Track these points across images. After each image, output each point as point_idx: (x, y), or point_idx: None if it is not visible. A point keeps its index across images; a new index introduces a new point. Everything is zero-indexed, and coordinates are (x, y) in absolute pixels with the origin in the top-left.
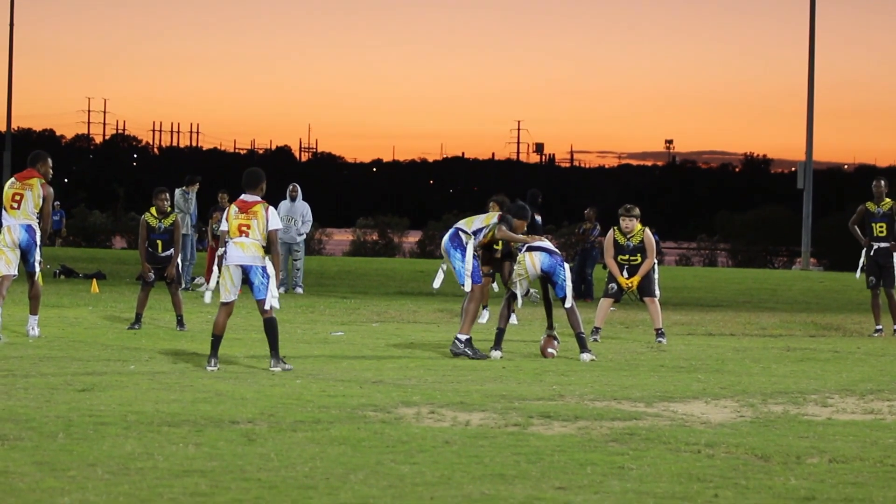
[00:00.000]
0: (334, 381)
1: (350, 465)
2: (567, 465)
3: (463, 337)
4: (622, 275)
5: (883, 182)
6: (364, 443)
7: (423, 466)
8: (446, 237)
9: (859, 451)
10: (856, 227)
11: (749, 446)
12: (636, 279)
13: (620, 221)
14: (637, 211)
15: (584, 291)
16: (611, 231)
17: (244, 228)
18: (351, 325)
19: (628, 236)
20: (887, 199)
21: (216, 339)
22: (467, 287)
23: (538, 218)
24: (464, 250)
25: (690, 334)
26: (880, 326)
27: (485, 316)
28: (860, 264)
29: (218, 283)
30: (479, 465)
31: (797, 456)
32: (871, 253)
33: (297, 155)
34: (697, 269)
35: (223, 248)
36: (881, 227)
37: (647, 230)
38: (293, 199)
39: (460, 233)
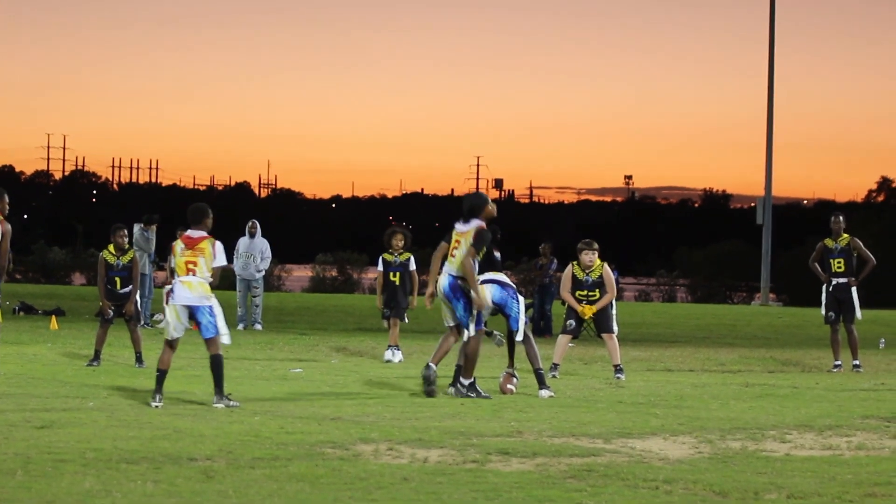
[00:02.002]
0: (293, 417)
1: (308, 502)
2: (525, 501)
3: (466, 382)
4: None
5: (841, 218)
6: (322, 480)
7: (382, 503)
8: (446, 285)
9: (817, 486)
10: (815, 264)
11: (707, 482)
12: (593, 308)
13: (583, 256)
14: (596, 245)
15: (543, 327)
16: (570, 266)
17: (191, 266)
18: (310, 362)
19: (587, 271)
20: (845, 235)
21: (161, 375)
22: (471, 332)
23: (497, 254)
24: (466, 299)
25: (649, 370)
26: (839, 362)
27: (397, 356)
28: (823, 301)
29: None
30: (437, 502)
31: (755, 492)
32: (831, 289)
33: (256, 191)
34: (656, 305)
35: (170, 286)
36: (839, 262)
37: (606, 265)
38: (252, 235)
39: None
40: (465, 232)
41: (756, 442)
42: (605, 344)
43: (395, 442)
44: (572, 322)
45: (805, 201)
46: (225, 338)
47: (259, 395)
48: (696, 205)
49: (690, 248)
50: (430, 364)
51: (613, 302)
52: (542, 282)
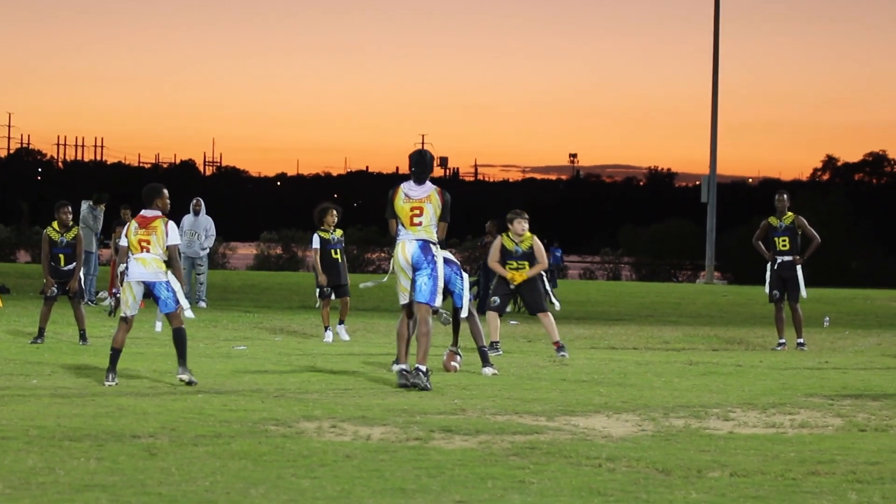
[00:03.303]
0: (236, 395)
1: (251, 479)
2: (467, 479)
3: (424, 367)
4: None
5: (785, 196)
6: (265, 457)
7: (324, 481)
8: (416, 251)
9: (760, 464)
10: (759, 242)
11: (650, 460)
12: (523, 274)
13: (514, 224)
14: (527, 215)
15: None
16: (499, 237)
17: (144, 244)
18: (254, 340)
19: (518, 241)
20: (789, 213)
21: (115, 353)
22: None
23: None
24: (436, 265)
25: (593, 348)
26: (783, 340)
27: (343, 334)
28: (767, 279)
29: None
30: (379, 480)
31: (698, 470)
32: (775, 267)
33: (201, 169)
34: (601, 283)
35: (124, 264)
36: (784, 240)
37: (536, 237)
38: (196, 213)
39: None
40: (422, 198)
41: (699, 420)
42: (541, 324)
43: (338, 419)
44: (496, 299)
45: (750, 180)
46: (187, 311)
47: (202, 372)
48: (641, 183)
49: (635, 227)
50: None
51: (545, 280)
52: (486, 260)
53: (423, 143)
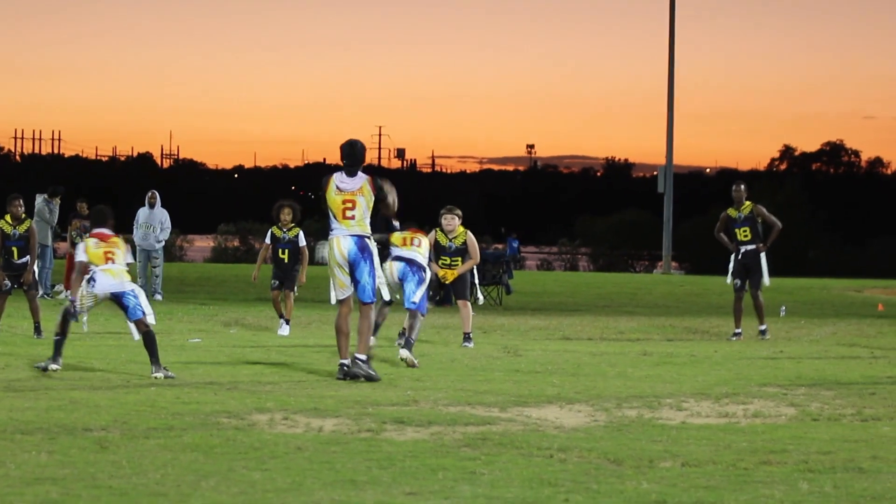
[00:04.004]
0: (189, 387)
1: (201, 471)
2: (418, 470)
3: (364, 356)
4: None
5: (742, 186)
6: (216, 449)
7: (275, 473)
8: (352, 247)
9: (712, 454)
10: (721, 234)
11: (602, 451)
12: (454, 272)
13: (442, 220)
14: (458, 211)
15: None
16: (433, 232)
17: (109, 255)
18: (208, 332)
19: (451, 237)
20: (747, 203)
21: (61, 340)
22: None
23: (396, 223)
24: (373, 260)
25: (548, 339)
26: (739, 330)
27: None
28: (730, 269)
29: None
30: (330, 471)
31: (650, 460)
32: (739, 256)
33: (158, 161)
34: (558, 274)
35: (91, 279)
36: (745, 231)
37: (469, 233)
38: (151, 206)
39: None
40: (354, 190)
41: (652, 410)
42: (459, 310)
43: (290, 411)
44: (430, 292)
45: (708, 170)
46: (150, 317)
47: None
48: (599, 174)
49: (593, 217)
50: (355, 357)
51: (474, 270)
52: None
53: (380, 135)
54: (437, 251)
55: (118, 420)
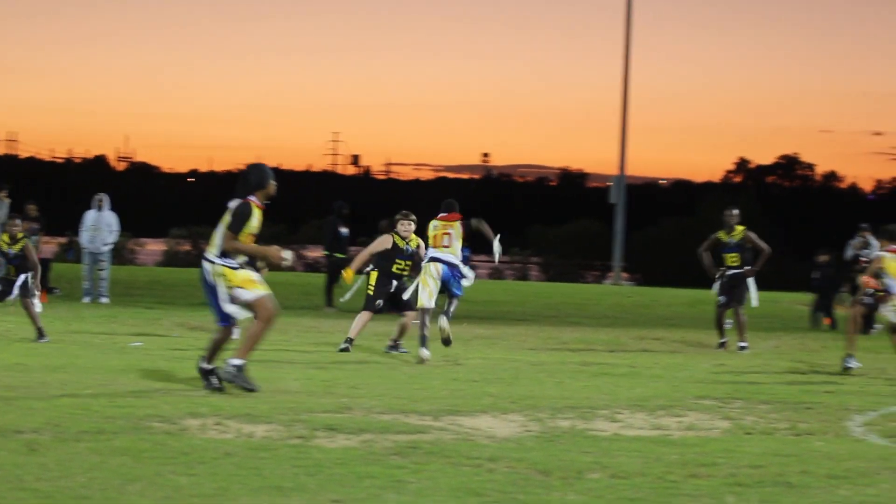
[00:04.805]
0: (125, 391)
1: (129, 475)
2: (346, 477)
3: (239, 362)
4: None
5: (735, 211)
6: (145, 454)
7: (202, 478)
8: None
9: (642, 466)
10: (707, 253)
11: (531, 461)
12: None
13: (400, 226)
14: (413, 217)
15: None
16: (388, 236)
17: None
18: (151, 336)
19: (407, 241)
20: (739, 228)
21: None
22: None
23: (344, 230)
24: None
25: (490, 348)
26: (725, 339)
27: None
28: (716, 287)
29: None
30: (257, 478)
31: (578, 471)
32: (725, 279)
33: (113, 164)
34: (508, 283)
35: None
36: (734, 257)
37: (420, 240)
38: (100, 208)
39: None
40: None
41: (586, 421)
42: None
43: (223, 417)
44: (381, 302)
45: (662, 181)
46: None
47: (95, 367)
48: (553, 183)
49: (545, 227)
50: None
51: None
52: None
53: (335, 142)
54: (394, 254)
55: (50, 422)
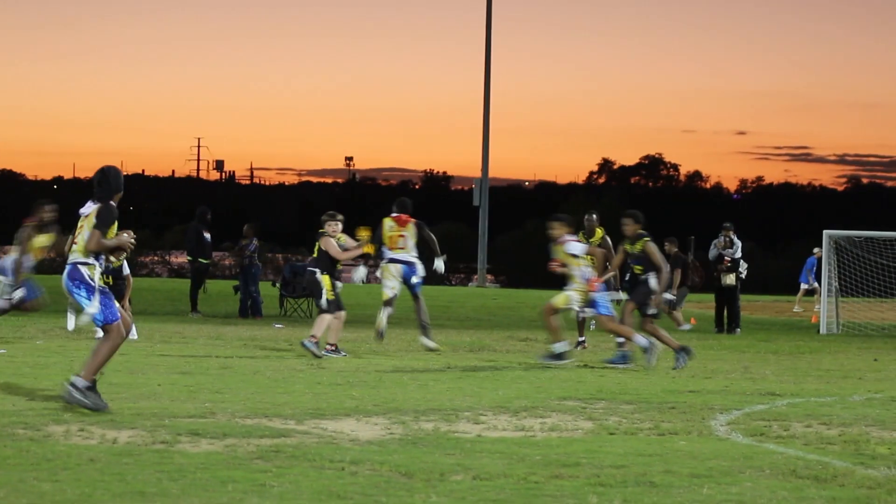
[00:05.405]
0: None
1: None
2: (208, 482)
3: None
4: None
5: (594, 216)
6: (8, 460)
7: (65, 484)
8: (65, 276)
9: (505, 467)
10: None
11: (394, 464)
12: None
13: (328, 226)
14: (340, 217)
15: (251, 308)
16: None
17: None
18: (15, 343)
19: (338, 240)
20: (640, 242)
21: None
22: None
23: (207, 235)
24: (88, 285)
25: (353, 351)
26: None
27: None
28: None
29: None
30: (121, 483)
31: (441, 473)
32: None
33: None
34: (371, 287)
35: None
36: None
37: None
38: None
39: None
40: (88, 215)
41: (449, 423)
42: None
43: (87, 423)
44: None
45: (527, 183)
46: None
47: None
48: (417, 186)
49: None
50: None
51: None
52: (243, 263)
53: (199, 147)
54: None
55: None
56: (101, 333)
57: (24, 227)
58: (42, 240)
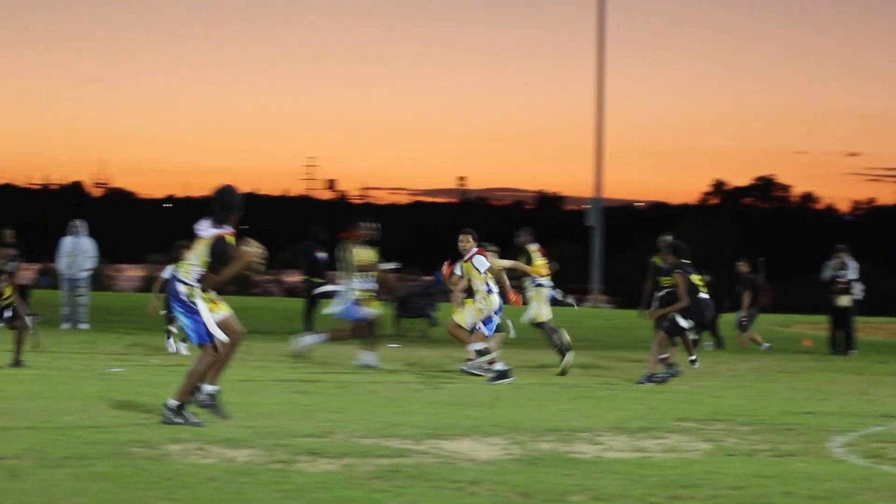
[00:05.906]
0: (106, 416)
1: (110, 500)
2: (327, 502)
3: (174, 402)
4: None
5: (668, 237)
6: (127, 479)
7: (184, 503)
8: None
9: (623, 488)
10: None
11: (513, 484)
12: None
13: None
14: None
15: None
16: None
17: None
18: (130, 361)
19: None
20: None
21: None
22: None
23: (321, 255)
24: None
25: (470, 372)
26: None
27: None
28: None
29: None
30: (239, 502)
31: (560, 494)
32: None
33: (89, 190)
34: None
35: None
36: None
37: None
38: (77, 234)
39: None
40: (202, 239)
41: (567, 444)
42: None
43: (205, 442)
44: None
45: (638, 203)
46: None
47: (74, 394)
48: (530, 206)
49: None
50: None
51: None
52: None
53: (311, 166)
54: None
55: (32, 448)
56: (184, 350)
57: (341, 242)
58: (364, 255)
